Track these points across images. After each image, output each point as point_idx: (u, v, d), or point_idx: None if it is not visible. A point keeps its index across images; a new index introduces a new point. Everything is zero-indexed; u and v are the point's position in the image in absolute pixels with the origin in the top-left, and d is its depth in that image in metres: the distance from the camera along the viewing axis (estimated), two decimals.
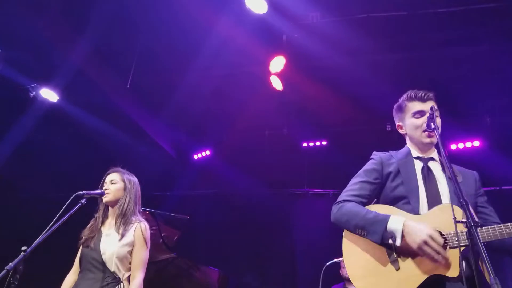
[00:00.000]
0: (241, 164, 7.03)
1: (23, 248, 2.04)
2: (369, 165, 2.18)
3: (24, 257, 2.01)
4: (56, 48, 5.19)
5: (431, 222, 1.83)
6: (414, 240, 1.76)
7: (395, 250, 1.88)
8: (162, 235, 4.53)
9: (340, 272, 4.98)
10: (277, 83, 5.54)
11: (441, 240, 1.74)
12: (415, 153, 2.14)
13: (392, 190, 2.03)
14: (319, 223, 6.88)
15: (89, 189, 2.73)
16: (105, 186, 2.81)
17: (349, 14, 4.61)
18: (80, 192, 2.58)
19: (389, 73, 5.41)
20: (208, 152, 7.54)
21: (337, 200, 2.12)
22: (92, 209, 2.92)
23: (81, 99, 5.90)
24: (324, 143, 6.97)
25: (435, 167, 2.07)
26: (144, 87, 6.04)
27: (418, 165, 2.08)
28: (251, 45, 5.31)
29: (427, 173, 2.03)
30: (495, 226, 1.75)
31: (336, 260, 3.76)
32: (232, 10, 4.84)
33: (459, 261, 1.71)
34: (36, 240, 2.14)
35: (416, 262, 1.81)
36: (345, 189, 2.16)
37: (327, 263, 4.57)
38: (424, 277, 1.77)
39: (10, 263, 1.96)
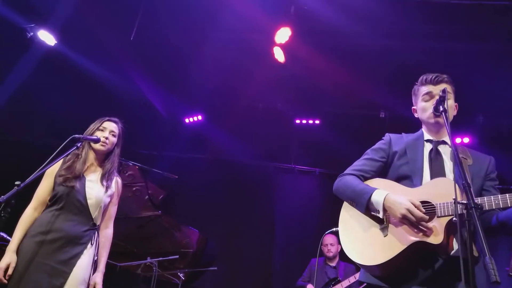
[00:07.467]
0: (232, 133, 7.02)
1: (17, 182, 2.03)
2: (377, 144, 2.26)
3: (17, 191, 2.00)
4: None
5: (422, 193, 1.91)
6: (395, 214, 1.89)
7: (385, 219, 1.97)
8: (149, 192, 4.56)
9: (321, 248, 5.04)
10: (279, 55, 5.46)
11: (419, 214, 1.82)
12: (427, 136, 2.17)
13: (397, 168, 2.11)
14: (301, 199, 6.99)
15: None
16: (105, 134, 2.73)
17: None
18: (76, 136, 2.55)
19: (392, 63, 5.35)
20: (200, 117, 7.51)
21: (341, 174, 2.23)
22: None
23: (79, 44, 5.73)
24: (317, 122, 6.98)
25: (445, 150, 2.11)
26: (145, 43, 5.89)
27: (427, 147, 2.13)
28: (257, 12, 5.18)
29: (435, 155, 2.08)
30: (499, 195, 1.79)
31: (334, 229, 3.76)
32: None
33: (444, 230, 1.77)
34: (30, 177, 2.13)
35: (403, 230, 1.90)
36: (351, 165, 2.25)
37: (326, 232, 4.62)
38: (408, 243, 1.84)
39: (2, 196, 1.95)
